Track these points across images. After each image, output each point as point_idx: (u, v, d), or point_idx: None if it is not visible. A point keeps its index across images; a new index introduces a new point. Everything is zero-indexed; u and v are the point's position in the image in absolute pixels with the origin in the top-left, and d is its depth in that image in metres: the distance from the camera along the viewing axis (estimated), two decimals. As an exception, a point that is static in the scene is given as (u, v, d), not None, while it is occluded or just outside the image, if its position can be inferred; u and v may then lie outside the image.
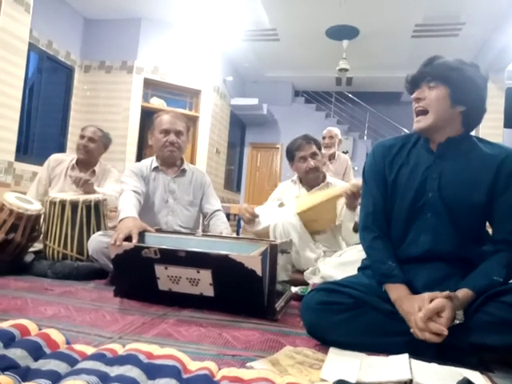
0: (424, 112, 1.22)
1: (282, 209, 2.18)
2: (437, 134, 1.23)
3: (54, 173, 2.72)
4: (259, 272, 1.42)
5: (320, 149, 2.26)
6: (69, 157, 2.80)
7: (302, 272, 2.00)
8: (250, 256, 1.43)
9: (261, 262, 1.41)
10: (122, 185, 2.06)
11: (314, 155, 2.21)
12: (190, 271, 1.50)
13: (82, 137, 2.71)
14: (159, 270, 1.55)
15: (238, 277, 1.44)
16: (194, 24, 6.60)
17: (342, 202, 2.06)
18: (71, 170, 2.70)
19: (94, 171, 2.72)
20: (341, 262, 1.82)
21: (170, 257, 1.52)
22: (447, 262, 1.21)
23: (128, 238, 1.61)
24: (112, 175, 2.78)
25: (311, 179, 2.25)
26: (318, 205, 2.03)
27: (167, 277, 1.55)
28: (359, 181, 1.92)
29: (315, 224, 2.13)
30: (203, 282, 1.50)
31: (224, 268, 1.46)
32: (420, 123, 1.22)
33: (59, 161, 2.75)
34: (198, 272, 1.49)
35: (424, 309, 1.03)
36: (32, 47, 5.22)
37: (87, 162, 2.73)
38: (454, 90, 1.18)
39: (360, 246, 1.51)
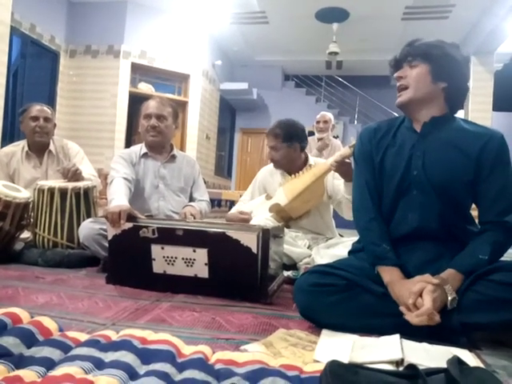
0: (405, 88, 1.25)
1: (268, 203, 2.14)
2: (421, 112, 1.25)
3: (11, 168, 2.45)
4: (254, 249, 1.46)
5: (291, 138, 2.11)
6: (17, 146, 2.51)
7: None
8: (246, 232, 1.48)
9: (256, 238, 1.45)
10: (111, 171, 2.04)
11: (273, 148, 2.14)
12: (187, 250, 1.54)
13: (36, 118, 2.41)
14: (155, 250, 1.57)
15: (233, 255, 1.48)
16: (181, 7, 6.46)
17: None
18: (26, 159, 2.46)
19: (50, 151, 2.49)
20: (338, 254, 1.81)
21: (168, 236, 1.55)
22: (436, 241, 1.23)
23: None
24: (74, 152, 2.54)
25: (280, 169, 2.21)
26: (308, 186, 2.03)
27: (163, 258, 1.57)
28: (341, 151, 1.90)
29: (308, 204, 2.12)
30: (199, 262, 1.53)
31: (220, 246, 1.50)
32: (401, 97, 1.26)
33: (11, 154, 2.46)
34: (194, 251, 1.53)
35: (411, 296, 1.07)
36: (14, 31, 5.07)
37: (44, 144, 2.48)
38: (435, 66, 1.21)
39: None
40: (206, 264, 1.53)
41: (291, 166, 2.18)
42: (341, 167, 1.88)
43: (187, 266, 1.55)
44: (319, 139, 3.89)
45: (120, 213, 1.62)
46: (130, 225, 1.61)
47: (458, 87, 1.24)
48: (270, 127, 2.20)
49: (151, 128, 2.12)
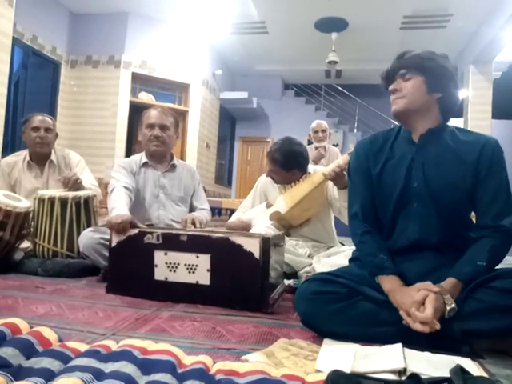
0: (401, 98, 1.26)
1: (268, 211, 2.15)
2: (417, 122, 1.26)
3: (13, 178, 2.46)
4: (257, 255, 1.48)
5: (290, 167, 2.12)
6: (19, 156, 2.51)
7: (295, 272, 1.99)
8: (249, 238, 1.51)
9: (259, 244, 1.47)
10: (111, 180, 2.05)
11: (271, 171, 2.18)
12: (189, 256, 1.56)
13: (37, 128, 2.42)
14: (158, 256, 1.59)
15: (236, 260, 1.51)
16: (181, 17, 6.53)
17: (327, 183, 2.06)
18: (28, 169, 2.46)
19: (51, 161, 2.49)
20: (338, 263, 1.81)
21: (172, 242, 1.58)
22: (437, 251, 1.23)
23: None
24: (75, 162, 2.55)
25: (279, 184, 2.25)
26: (308, 194, 2.04)
27: (165, 264, 1.59)
28: (339, 159, 1.93)
29: (308, 212, 2.13)
30: (201, 268, 1.55)
31: (223, 251, 1.52)
32: (397, 105, 1.26)
33: (12, 164, 2.47)
34: (198, 257, 1.55)
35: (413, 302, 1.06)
36: (16, 42, 5.12)
37: (45, 154, 2.48)
38: (429, 77, 1.23)
39: None
40: (208, 270, 1.54)
41: (290, 183, 2.19)
42: (337, 177, 1.90)
43: (189, 272, 1.56)
44: (316, 148, 3.89)
45: (122, 222, 1.63)
46: (135, 231, 1.64)
47: (451, 97, 1.26)
48: (271, 146, 2.19)
49: (154, 138, 2.13)
